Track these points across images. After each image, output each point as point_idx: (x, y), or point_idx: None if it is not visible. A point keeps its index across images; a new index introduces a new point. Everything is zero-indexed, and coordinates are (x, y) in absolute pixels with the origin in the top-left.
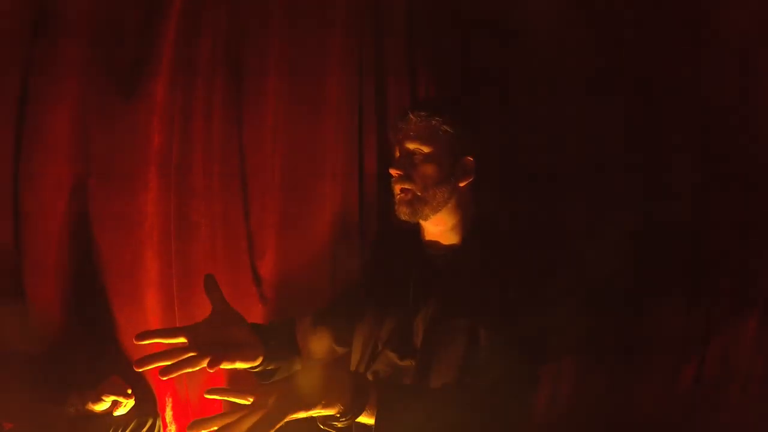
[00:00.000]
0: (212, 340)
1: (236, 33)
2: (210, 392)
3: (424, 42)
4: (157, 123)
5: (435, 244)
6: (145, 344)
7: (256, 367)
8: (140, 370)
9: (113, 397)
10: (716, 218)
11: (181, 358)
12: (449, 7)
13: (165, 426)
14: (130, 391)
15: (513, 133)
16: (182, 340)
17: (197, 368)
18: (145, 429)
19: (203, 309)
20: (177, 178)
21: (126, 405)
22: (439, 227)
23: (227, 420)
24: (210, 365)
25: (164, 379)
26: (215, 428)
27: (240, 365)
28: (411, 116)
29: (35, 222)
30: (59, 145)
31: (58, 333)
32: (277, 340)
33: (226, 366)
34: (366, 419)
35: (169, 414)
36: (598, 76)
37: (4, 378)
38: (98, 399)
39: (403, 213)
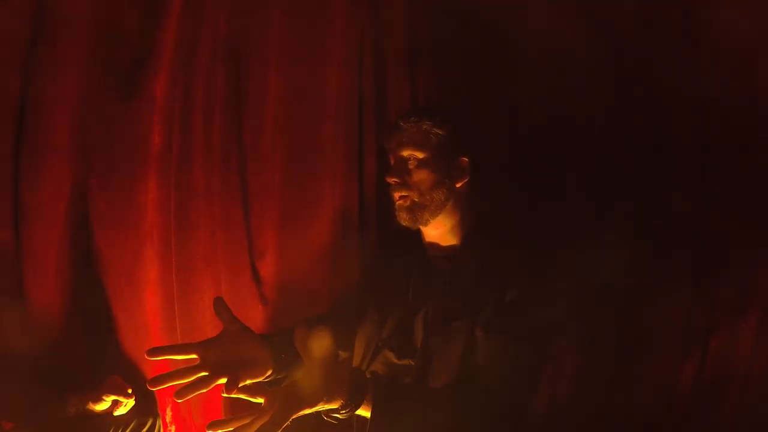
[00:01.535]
0: (223, 358)
1: (236, 33)
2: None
3: (424, 41)
4: (157, 123)
5: (435, 245)
6: (156, 359)
7: (265, 378)
8: (154, 389)
9: (113, 397)
10: (717, 218)
11: (193, 378)
12: (449, 7)
13: (165, 426)
14: (130, 391)
15: (513, 131)
16: (193, 356)
17: (210, 388)
18: (145, 429)
19: (203, 309)
20: (177, 178)
21: (126, 405)
22: (438, 230)
23: (242, 422)
24: (226, 390)
25: (180, 401)
26: (231, 428)
27: (250, 382)
28: (401, 123)
29: (35, 222)
30: (59, 145)
31: (58, 333)
32: (287, 352)
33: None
34: (364, 412)
35: (169, 414)
36: (599, 76)
37: (4, 378)
38: (98, 399)
39: (404, 219)
